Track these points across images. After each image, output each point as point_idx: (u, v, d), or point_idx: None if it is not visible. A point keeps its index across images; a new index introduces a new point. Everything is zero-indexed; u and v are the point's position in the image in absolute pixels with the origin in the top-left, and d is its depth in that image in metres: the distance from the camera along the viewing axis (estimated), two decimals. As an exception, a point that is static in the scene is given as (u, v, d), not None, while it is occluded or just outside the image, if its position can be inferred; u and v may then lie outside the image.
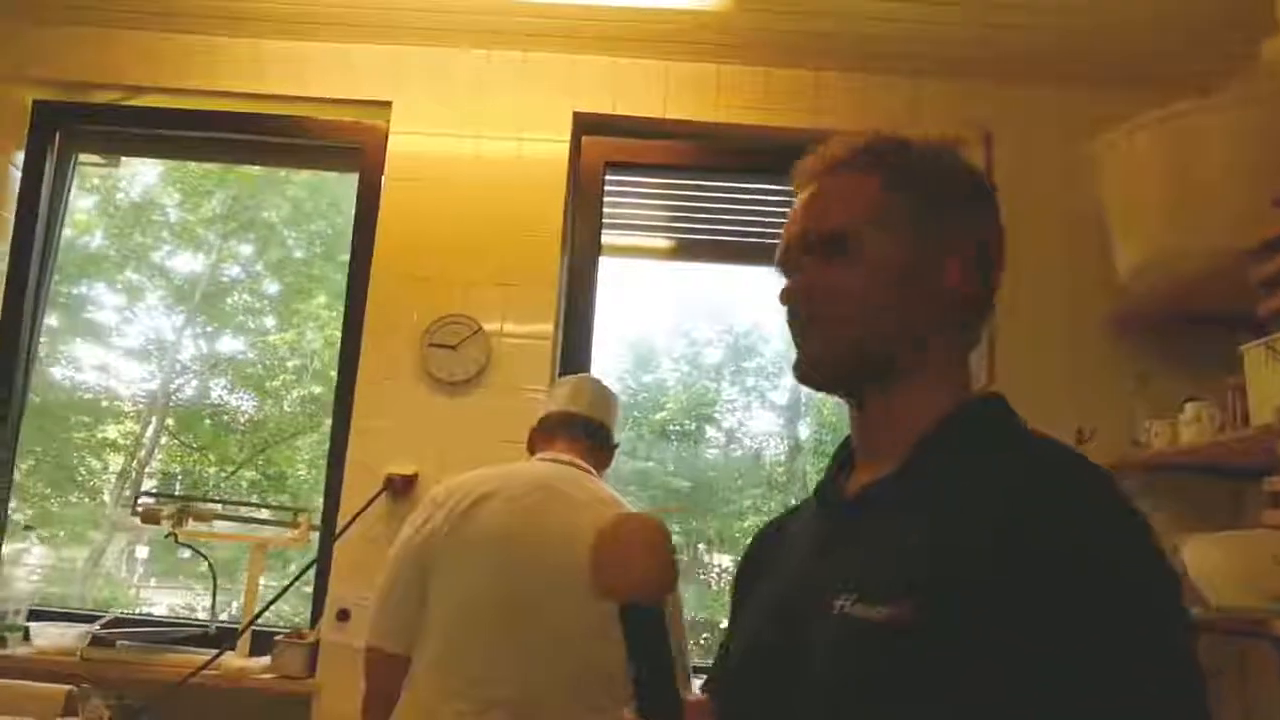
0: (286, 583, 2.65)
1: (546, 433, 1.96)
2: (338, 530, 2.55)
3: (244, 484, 5.60)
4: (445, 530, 1.70)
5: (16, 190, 2.89)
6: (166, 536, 2.67)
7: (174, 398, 5.88)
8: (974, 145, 2.69)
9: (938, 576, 0.74)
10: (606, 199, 2.88)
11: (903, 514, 0.82)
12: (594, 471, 1.90)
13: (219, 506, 2.78)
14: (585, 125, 2.83)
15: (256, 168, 4.91)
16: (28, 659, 2.48)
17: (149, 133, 2.96)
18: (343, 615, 2.52)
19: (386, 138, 2.80)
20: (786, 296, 0.93)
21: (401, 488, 2.58)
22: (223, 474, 5.63)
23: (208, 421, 5.85)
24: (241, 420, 5.80)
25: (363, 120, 2.85)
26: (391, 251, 2.73)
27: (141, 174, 5.50)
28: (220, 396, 5.97)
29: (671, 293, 5.36)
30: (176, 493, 5.41)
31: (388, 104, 2.80)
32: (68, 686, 1.78)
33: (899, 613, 0.73)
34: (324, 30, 2.78)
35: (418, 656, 1.70)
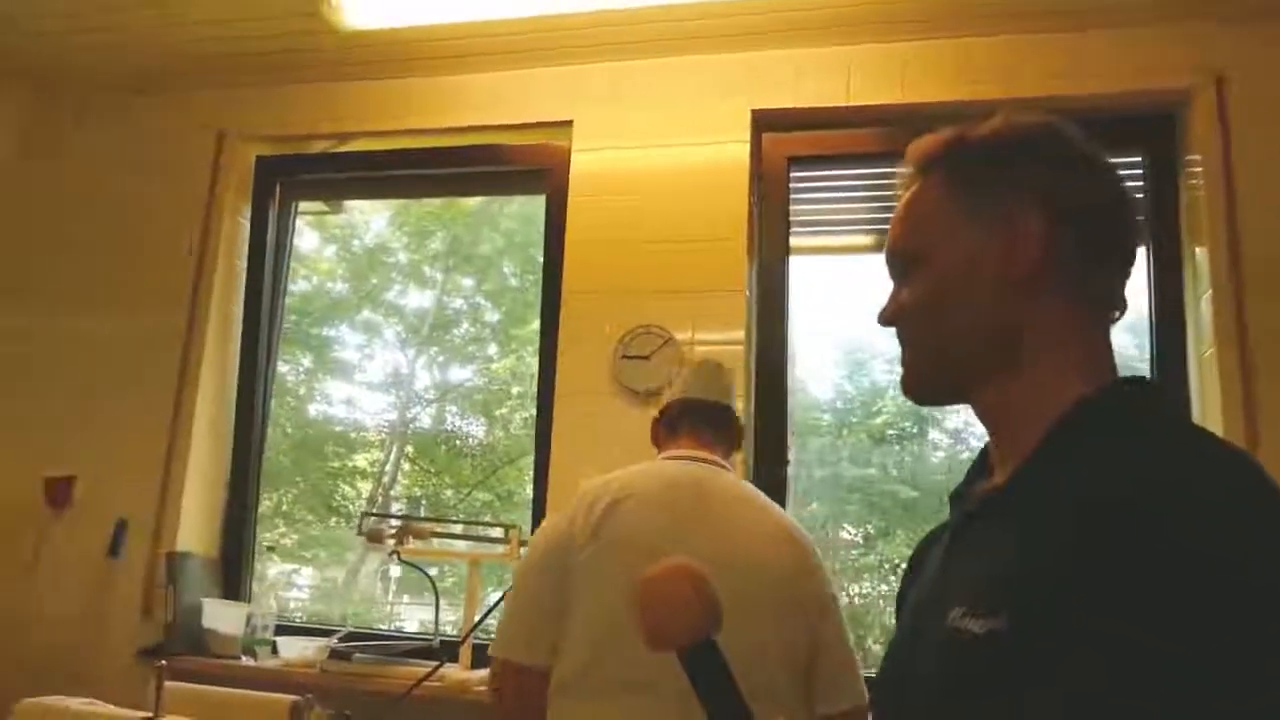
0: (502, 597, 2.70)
1: (671, 425, 1.87)
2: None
3: (478, 504, 5.89)
4: (582, 537, 1.59)
5: (247, 241, 3.15)
6: (390, 555, 2.79)
7: (412, 426, 6.29)
8: (1204, 91, 2.41)
9: (1031, 589, 0.72)
10: (796, 196, 2.78)
11: (1006, 522, 0.81)
12: (725, 463, 1.81)
13: (435, 525, 2.88)
14: (765, 122, 2.75)
15: (471, 202, 5.14)
16: (273, 670, 2.67)
17: (359, 176, 3.14)
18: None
19: (569, 156, 2.83)
20: (880, 321, 0.94)
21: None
22: (459, 495, 5.95)
23: (443, 447, 6.21)
24: (472, 444, 6.12)
25: (546, 142, 2.90)
26: (580, 267, 2.76)
27: (373, 221, 5.93)
28: (453, 423, 6.33)
29: (882, 289, 5.14)
30: (420, 514, 5.72)
31: (568, 123, 2.84)
32: (294, 697, 1.87)
33: (997, 626, 0.72)
34: (505, 59, 2.85)
35: (562, 668, 1.58)
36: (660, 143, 2.76)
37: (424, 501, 5.86)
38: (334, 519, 6.32)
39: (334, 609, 5.44)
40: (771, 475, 2.64)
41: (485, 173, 3.04)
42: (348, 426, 6.30)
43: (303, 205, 3.29)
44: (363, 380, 6.44)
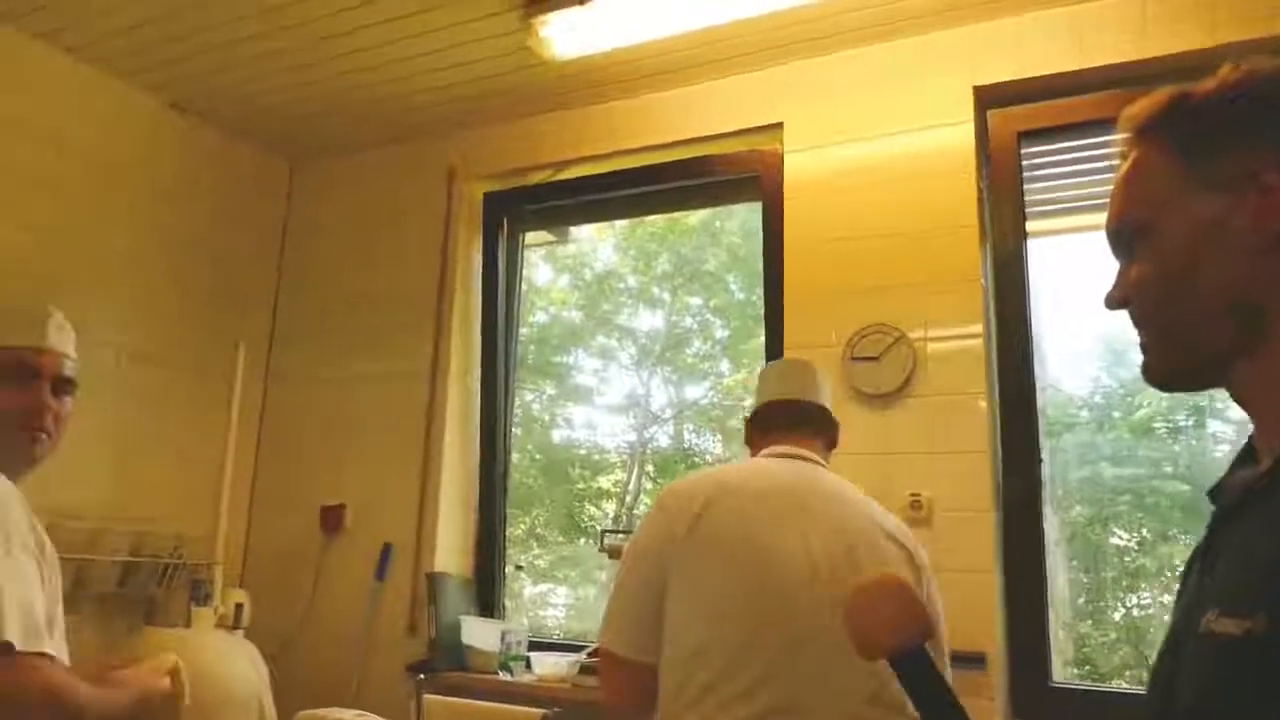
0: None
1: (763, 425, 1.75)
2: (783, 556, 2.50)
3: (719, 520, 5.89)
4: (682, 532, 1.52)
5: (480, 276, 3.29)
6: (630, 571, 2.80)
7: (650, 445, 6.40)
8: None
9: None
10: (1029, 175, 2.57)
11: (1266, 513, 0.74)
12: (822, 459, 1.70)
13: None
14: (989, 98, 2.56)
15: (693, 220, 5.14)
16: (527, 685, 2.74)
17: (578, 201, 3.21)
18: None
19: (781, 159, 2.76)
20: (1108, 305, 0.88)
21: (839, 509, 2.47)
22: (700, 513, 5.98)
23: (681, 465, 6.26)
24: (709, 460, 6.13)
25: (757, 147, 2.84)
26: (801, 271, 2.67)
27: (601, 249, 6.11)
28: (690, 440, 6.38)
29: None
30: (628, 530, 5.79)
31: (778, 125, 2.77)
32: (542, 711, 1.89)
33: (1254, 627, 0.67)
34: (708, 69, 2.83)
35: (670, 666, 1.50)
36: (876, 133, 2.64)
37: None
38: (582, 539, 6.53)
39: (588, 626, 5.60)
40: (1022, 477, 2.43)
41: (700, 185, 3.02)
42: (590, 449, 6.50)
43: (531, 238, 3.41)
44: (602, 403, 6.64)
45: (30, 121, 2.87)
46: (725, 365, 6.50)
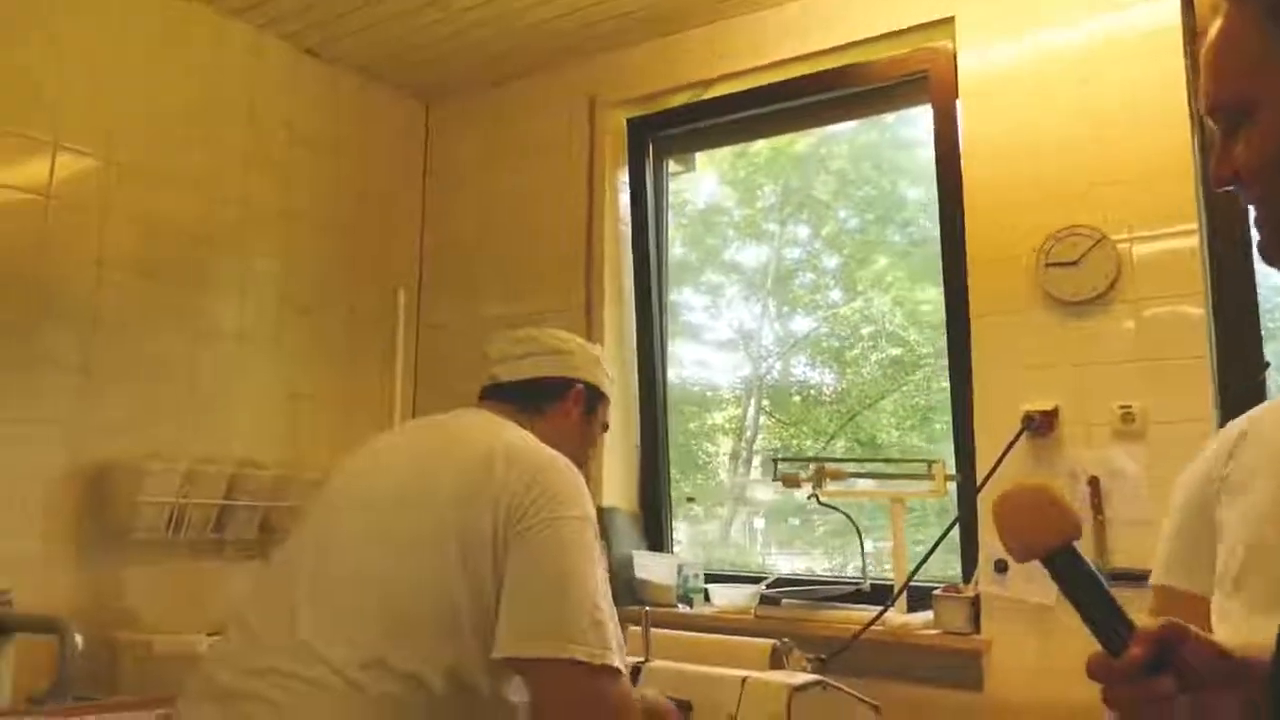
0: (931, 536, 2.53)
1: None
2: (979, 479, 2.36)
3: (838, 452, 5.76)
4: (1220, 463, 1.25)
5: (627, 205, 3.18)
6: (809, 498, 2.71)
7: (764, 380, 6.28)
8: None
9: None
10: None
11: None
12: None
13: (851, 466, 2.76)
14: (1193, -30, 2.33)
15: (799, 147, 4.94)
16: (712, 616, 2.68)
17: (723, 121, 3.06)
18: (1000, 567, 2.33)
19: (954, 57, 2.56)
20: (1214, 184, 0.84)
21: (1042, 425, 2.31)
22: (819, 445, 5.86)
23: (796, 398, 6.14)
24: (826, 393, 5.99)
25: (924, 45, 2.64)
26: (983, 175, 2.49)
27: (703, 183, 5.97)
28: (803, 373, 6.24)
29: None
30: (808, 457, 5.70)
31: (949, 19, 2.56)
32: (773, 641, 1.82)
33: None
34: (870, -35, 2.63)
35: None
36: (1061, 19, 2.42)
37: (781, 453, 5.82)
38: (700, 476, 6.48)
39: (713, 560, 5.58)
40: (1245, 384, 2.24)
41: (857, 93, 2.84)
42: (703, 386, 6.43)
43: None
44: (711, 340, 6.54)
45: (176, 76, 2.83)
46: (837, 295, 6.32)
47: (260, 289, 2.97)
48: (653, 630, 1.87)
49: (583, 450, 1.67)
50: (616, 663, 1.20)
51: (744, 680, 1.59)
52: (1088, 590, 0.83)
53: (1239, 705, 0.78)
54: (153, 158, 2.74)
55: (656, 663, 1.74)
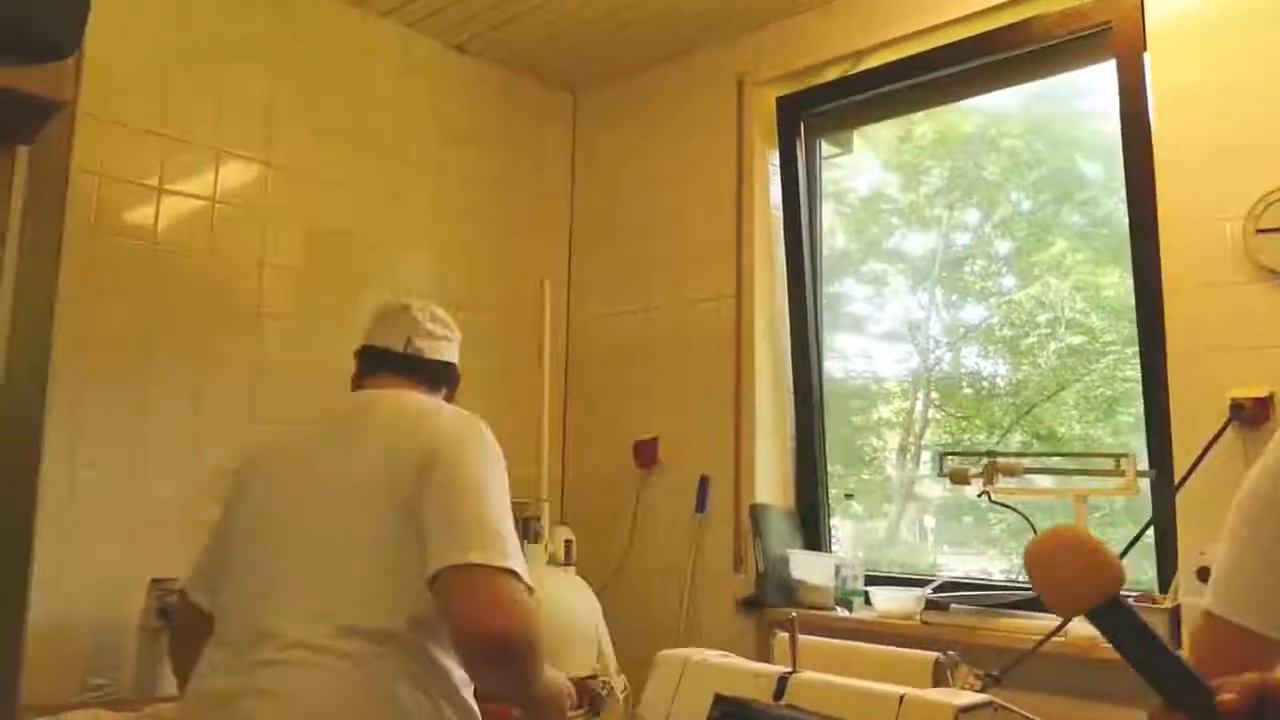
0: (1120, 539, 2.26)
1: None
2: (1178, 476, 2.08)
3: (1013, 446, 5.38)
4: None
5: (778, 188, 3.02)
6: (979, 495, 2.48)
7: (933, 372, 5.96)
8: None
9: None
10: None
11: None
12: None
13: (1028, 460, 2.51)
14: None
15: (967, 127, 4.61)
16: (873, 622, 2.49)
17: (879, 93, 2.86)
18: (1204, 575, 2.04)
19: (1141, 4, 2.27)
20: None
21: (1255, 414, 2.01)
22: (992, 439, 5.50)
23: (968, 390, 5.78)
24: (1000, 384, 5.62)
25: (1106, -4, 2.37)
26: (1177, 134, 2.19)
27: (865, 169, 5.71)
28: (975, 364, 5.88)
29: None
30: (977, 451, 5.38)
31: (1136, -35, 2.29)
32: (935, 654, 1.63)
33: None
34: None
35: None
36: (1272, -48, 2.10)
37: (953, 448, 5.49)
38: (866, 472, 6.22)
39: (879, 560, 5.32)
40: None
41: (1024, 54, 2.58)
42: (867, 379, 6.16)
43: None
44: (875, 331, 6.25)
45: (328, 76, 2.88)
46: (1010, 281, 5.92)
47: (412, 284, 2.98)
48: (803, 637, 1.73)
49: None
50: (514, 565, 1.30)
51: (901, 698, 1.41)
52: (1140, 645, 0.77)
53: None
54: (309, 160, 2.80)
55: (804, 674, 1.59)
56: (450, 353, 1.73)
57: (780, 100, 2.99)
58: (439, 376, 1.69)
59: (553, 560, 2.70)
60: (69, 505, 2.24)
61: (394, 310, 1.71)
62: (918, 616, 2.44)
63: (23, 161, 1.39)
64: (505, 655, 1.26)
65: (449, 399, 1.70)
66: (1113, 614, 0.77)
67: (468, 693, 1.39)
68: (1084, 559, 0.80)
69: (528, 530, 2.63)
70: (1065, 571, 0.80)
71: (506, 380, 3.16)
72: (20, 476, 1.38)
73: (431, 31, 3.08)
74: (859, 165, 5.56)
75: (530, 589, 1.32)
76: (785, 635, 1.68)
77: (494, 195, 3.26)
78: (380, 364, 1.65)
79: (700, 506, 2.92)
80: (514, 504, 2.90)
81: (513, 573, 1.29)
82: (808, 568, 2.67)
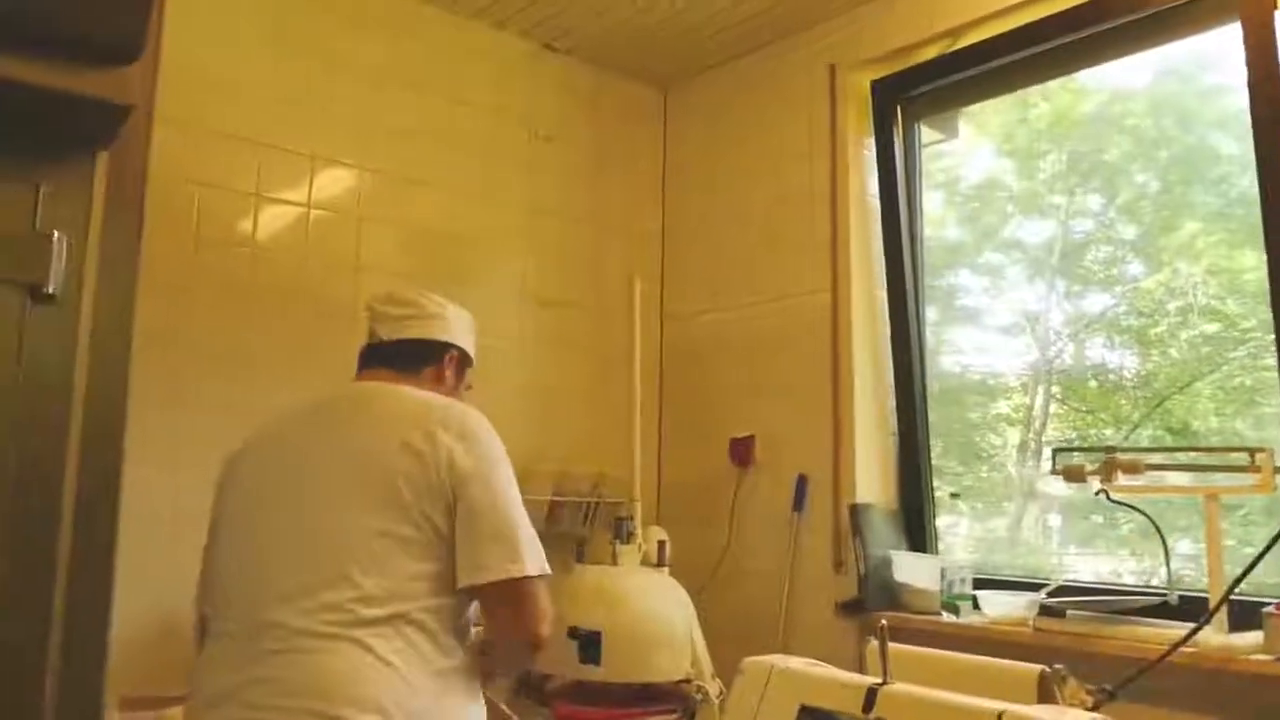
0: (1259, 540, 2.05)
1: None
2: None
3: (1144, 441, 5.07)
4: None
5: (875, 177, 2.89)
6: (1096, 494, 2.31)
7: (1054, 365, 5.67)
8: None
9: None
10: None
11: None
12: None
13: (1154, 456, 2.32)
14: None
15: (1086, 108, 4.35)
16: (981, 628, 2.35)
17: (980, 71, 2.71)
18: (1354, 580, 1.84)
19: (1272, -43, 2.08)
20: None
21: None
22: (1120, 434, 5.19)
23: (1093, 383, 5.48)
24: (1127, 376, 5.31)
25: (1232, -49, 2.17)
26: (1315, 97, 1.99)
27: (976, 156, 5.46)
28: (1099, 356, 5.56)
29: None
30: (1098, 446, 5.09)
31: (1265, -86, 2.09)
32: (1039, 667, 1.50)
33: None
34: None
35: None
36: None
37: (1077, 443, 5.20)
38: (984, 468, 5.96)
39: (999, 560, 5.07)
40: None
41: (1139, 20, 2.39)
42: (984, 374, 5.89)
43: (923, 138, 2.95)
44: (992, 324, 5.98)
45: (422, 81, 2.90)
46: (1137, 268, 5.57)
47: (504, 283, 2.99)
48: (901, 646, 1.62)
49: None
50: (546, 569, 1.44)
51: (1000, 715, 1.29)
52: None
53: None
54: (402, 163, 2.83)
55: (895, 685, 1.48)
56: (418, 329, 1.69)
57: (875, 84, 2.86)
58: (413, 356, 1.67)
59: (645, 561, 2.65)
60: (174, 503, 2.30)
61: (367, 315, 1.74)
62: (1030, 623, 2.28)
63: (102, 166, 1.41)
64: (540, 652, 1.46)
65: (439, 375, 1.68)
66: None
67: (470, 673, 1.45)
68: None
69: (620, 530, 2.59)
70: None
71: (599, 379, 3.13)
72: (103, 474, 1.40)
73: (521, 30, 3.08)
74: (969, 152, 5.33)
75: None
76: (876, 643, 1.57)
77: (585, 193, 3.24)
78: (362, 364, 1.69)
79: (798, 506, 2.82)
80: (607, 504, 2.89)
81: (543, 577, 1.43)
82: (911, 570, 2.54)
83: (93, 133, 1.35)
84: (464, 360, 1.74)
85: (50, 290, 1.34)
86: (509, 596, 1.40)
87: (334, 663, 1.30)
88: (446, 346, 1.70)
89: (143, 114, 1.40)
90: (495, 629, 1.45)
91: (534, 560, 1.42)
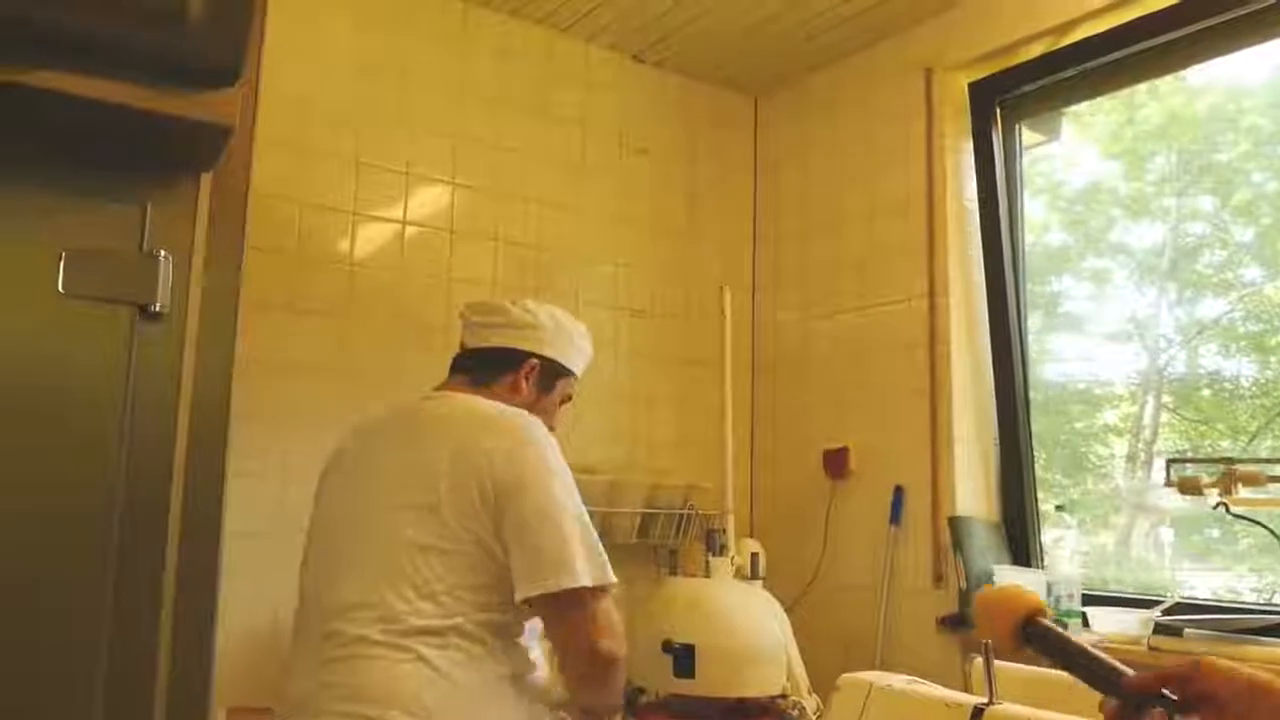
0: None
1: None
2: None
3: (1262, 452, 4.77)
4: None
5: (974, 181, 2.79)
6: (1215, 507, 2.17)
7: (1165, 373, 5.40)
8: None
9: None
10: None
11: None
12: None
13: (1274, 468, 2.17)
14: None
15: (1200, 107, 4.13)
16: (1093, 647, 2.22)
17: (1083, 70, 2.58)
18: None
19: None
20: None
21: None
22: (1237, 445, 4.91)
23: (1206, 391, 5.20)
24: (1245, 385, 5.01)
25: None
26: None
27: (1080, 160, 5.25)
28: (1214, 364, 5.28)
29: None
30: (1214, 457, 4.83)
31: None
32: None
33: None
34: None
35: None
36: None
37: (1190, 454, 4.94)
38: (1090, 480, 5.70)
39: (1108, 575, 4.83)
40: None
41: (1241, 16, 2.25)
42: (1089, 382, 5.64)
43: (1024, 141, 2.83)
44: (1098, 331, 5.73)
45: (513, 96, 2.92)
46: (1256, 272, 5.27)
47: (595, 294, 2.98)
48: (1007, 664, 1.54)
49: None
50: (609, 578, 1.41)
51: (1115, 741, 1.21)
52: (1065, 653, 0.92)
53: None
54: (494, 177, 2.85)
55: (1002, 705, 1.41)
56: (500, 337, 1.67)
57: (973, 86, 2.76)
58: (493, 363, 1.66)
59: (739, 574, 2.59)
60: (279, 516, 2.35)
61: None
62: (1145, 642, 2.15)
63: (206, 189, 1.44)
64: (611, 671, 1.41)
65: (516, 385, 1.65)
66: (1037, 631, 0.94)
67: (527, 686, 1.43)
68: (994, 604, 0.97)
69: (712, 543, 2.54)
70: (994, 608, 0.97)
71: (691, 390, 3.09)
72: (208, 489, 1.43)
73: (609, 43, 3.07)
74: (1072, 156, 5.13)
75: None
76: (981, 661, 1.50)
77: (675, 203, 3.21)
78: (449, 374, 1.70)
79: (895, 518, 2.73)
80: (700, 516, 2.84)
81: (606, 589, 1.40)
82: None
83: (196, 155, 1.38)
84: (550, 371, 1.70)
85: (158, 309, 1.37)
86: (563, 608, 1.37)
87: (389, 670, 1.31)
88: (526, 356, 1.66)
89: (244, 136, 1.42)
90: (554, 643, 1.43)
91: (590, 571, 1.38)
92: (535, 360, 1.66)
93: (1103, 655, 0.90)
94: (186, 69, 1.23)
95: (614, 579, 1.42)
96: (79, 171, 1.35)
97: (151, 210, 1.38)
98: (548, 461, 1.44)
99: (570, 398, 1.76)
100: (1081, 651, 0.91)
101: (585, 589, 1.37)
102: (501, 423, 1.47)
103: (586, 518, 1.44)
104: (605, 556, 1.42)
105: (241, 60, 1.26)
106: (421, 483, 1.40)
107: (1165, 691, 0.84)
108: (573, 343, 1.73)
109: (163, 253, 1.38)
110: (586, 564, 1.38)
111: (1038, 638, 0.94)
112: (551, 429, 1.62)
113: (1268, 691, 0.80)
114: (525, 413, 1.52)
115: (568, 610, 1.38)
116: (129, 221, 1.36)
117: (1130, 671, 0.86)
